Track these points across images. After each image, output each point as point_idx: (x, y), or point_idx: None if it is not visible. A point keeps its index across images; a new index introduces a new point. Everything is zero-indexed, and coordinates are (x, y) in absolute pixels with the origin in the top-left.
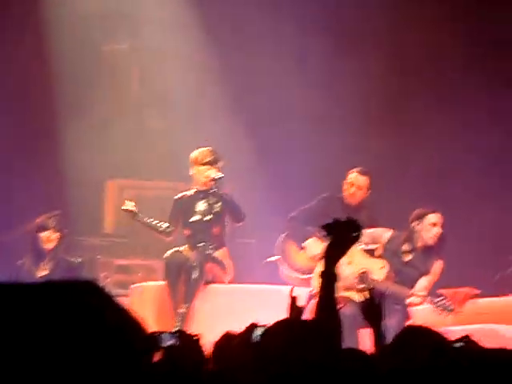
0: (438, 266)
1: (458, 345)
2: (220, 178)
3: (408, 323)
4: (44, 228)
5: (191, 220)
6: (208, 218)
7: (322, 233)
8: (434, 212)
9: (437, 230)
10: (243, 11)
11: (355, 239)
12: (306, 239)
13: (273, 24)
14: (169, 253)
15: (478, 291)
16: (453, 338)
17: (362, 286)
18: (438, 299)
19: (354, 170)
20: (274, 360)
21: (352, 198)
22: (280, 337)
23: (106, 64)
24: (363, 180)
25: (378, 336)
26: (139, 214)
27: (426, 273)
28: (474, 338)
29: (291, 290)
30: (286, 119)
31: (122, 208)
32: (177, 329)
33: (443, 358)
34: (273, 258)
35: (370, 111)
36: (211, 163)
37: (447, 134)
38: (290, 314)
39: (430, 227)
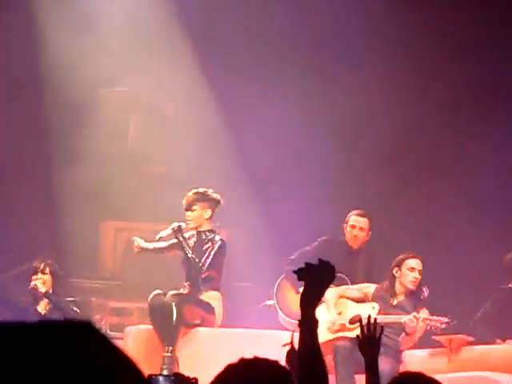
0: (423, 313)
1: None
2: (179, 226)
3: (402, 370)
4: (36, 271)
5: (189, 260)
6: (203, 259)
7: (296, 278)
8: (413, 257)
9: (414, 275)
10: (245, 57)
11: (330, 280)
12: None
13: (278, 64)
14: (151, 295)
15: (472, 338)
16: None
17: (355, 325)
18: (431, 317)
19: (354, 212)
20: None
21: (354, 240)
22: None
23: (103, 106)
24: (364, 222)
25: (372, 373)
26: (144, 245)
27: None
28: None
29: (292, 335)
30: (285, 163)
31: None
32: (171, 372)
33: None
34: (270, 302)
35: (368, 155)
36: (187, 209)
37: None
38: (286, 360)
39: (408, 272)
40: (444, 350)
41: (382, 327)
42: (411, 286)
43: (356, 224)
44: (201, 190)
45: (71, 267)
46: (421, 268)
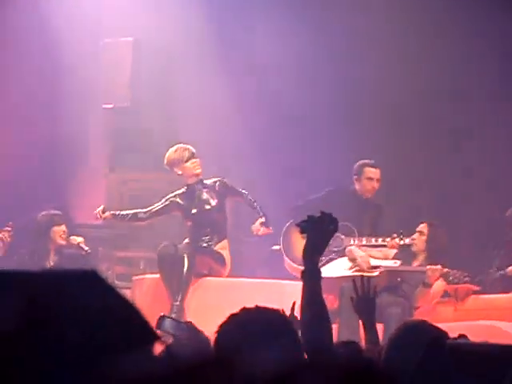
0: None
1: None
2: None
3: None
4: (53, 223)
5: (192, 212)
6: (208, 207)
7: (298, 230)
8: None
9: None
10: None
11: (332, 232)
12: None
13: (279, 23)
14: (160, 246)
15: (478, 287)
16: (454, 333)
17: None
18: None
19: (365, 162)
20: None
21: (372, 191)
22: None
23: (107, 56)
24: (378, 173)
25: (369, 332)
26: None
27: None
28: (475, 334)
29: (293, 304)
30: (288, 113)
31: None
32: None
33: (439, 354)
34: (277, 247)
35: (375, 111)
36: (191, 157)
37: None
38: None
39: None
40: (450, 300)
41: (375, 287)
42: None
43: (373, 176)
44: (186, 146)
45: (79, 216)
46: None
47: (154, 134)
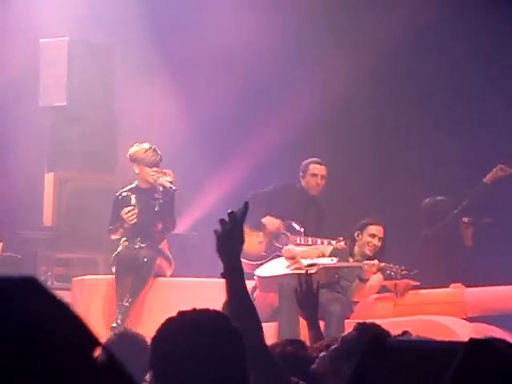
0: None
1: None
2: (171, 188)
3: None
4: None
5: (138, 213)
6: (150, 214)
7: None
8: (375, 224)
9: (374, 242)
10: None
11: (229, 230)
12: (259, 223)
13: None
14: (120, 248)
15: (417, 282)
16: (394, 328)
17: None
18: (391, 265)
19: (311, 160)
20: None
21: (317, 188)
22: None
23: (43, 56)
24: (324, 169)
25: (314, 327)
26: None
27: None
28: (415, 329)
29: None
30: (235, 106)
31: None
32: (124, 321)
33: (379, 353)
34: None
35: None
36: (157, 164)
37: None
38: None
39: (368, 238)
40: (390, 295)
41: (317, 282)
42: (368, 252)
43: (317, 172)
44: (157, 150)
45: (16, 218)
46: (381, 235)
47: (91, 133)
